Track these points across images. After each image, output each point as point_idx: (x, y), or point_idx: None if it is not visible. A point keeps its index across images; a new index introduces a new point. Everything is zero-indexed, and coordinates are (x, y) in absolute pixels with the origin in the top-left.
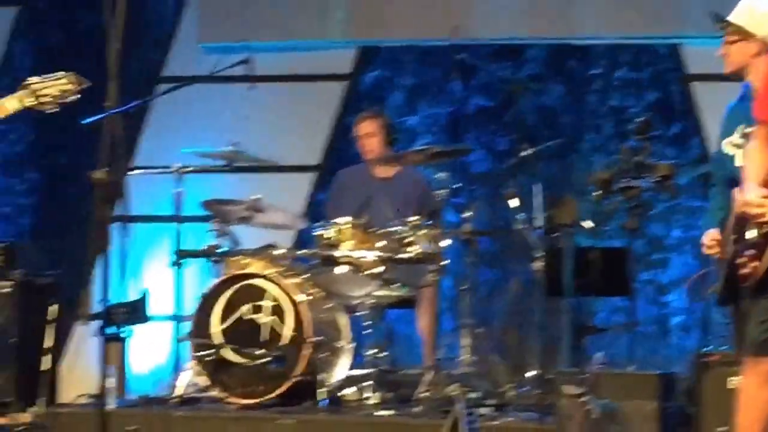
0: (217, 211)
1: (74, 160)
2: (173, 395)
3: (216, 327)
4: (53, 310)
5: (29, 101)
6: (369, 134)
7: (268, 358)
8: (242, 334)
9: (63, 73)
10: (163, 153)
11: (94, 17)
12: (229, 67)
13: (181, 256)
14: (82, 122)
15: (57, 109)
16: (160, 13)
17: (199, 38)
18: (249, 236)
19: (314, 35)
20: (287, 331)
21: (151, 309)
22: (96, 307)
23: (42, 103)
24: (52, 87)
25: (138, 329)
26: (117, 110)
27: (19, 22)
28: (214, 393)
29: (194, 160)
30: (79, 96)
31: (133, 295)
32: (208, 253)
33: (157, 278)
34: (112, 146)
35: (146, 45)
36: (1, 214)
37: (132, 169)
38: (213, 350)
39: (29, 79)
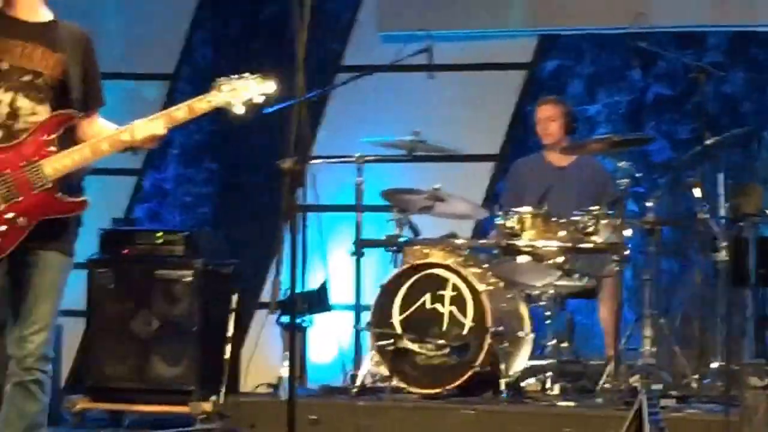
0: (397, 201)
1: (252, 149)
2: (354, 385)
3: (397, 317)
4: (234, 298)
5: (218, 102)
6: (549, 118)
7: (449, 348)
8: (423, 323)
9: (251, 74)
10: (343, 142)
11: (274, 6)
12: (410, 56)
13: (362, 245)
14: (265, 111)
15: (243, 111)
16: (340, 1)
17: (379, 27)
18: (429, 225)
19: (495, 24)
20: (468, 321)
21: (332, 298)
22: (277, 296)
23: (230, 104)
24: (241, 88)
25: (319, 318)
26: (301, 99)
27: (199, 11)
28: (395, 383)
29: (374, 150)
30: (266, 98)
31: (314, 285)
32: (388, 243)
33: (338, 267)
34: (299, 135)
35: (326, 34)
36: (181, 203)
37: (313, 159)
38: (394, 340)
39: (218, 79)
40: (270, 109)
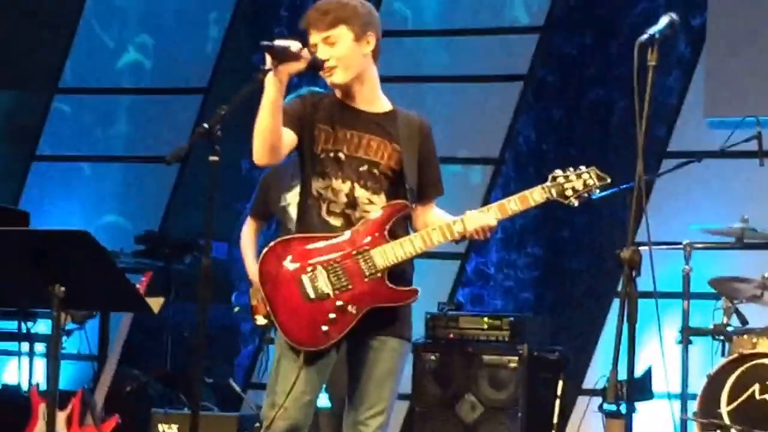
0: (725, 289)
1: (576, 234)
2: None
3: (724, 407)
4: (560, 385)
5: (554, 193)
6: None
7: None
8: (752, 414)
9: (585, 167)
10: (668, 229)
11: (598, 90)
12: (739, 143)
13: (689, 333)
14: (593, 197)
15: (576, 204)
16: (666, 87)
17: (706, 113)
18: (757, 314)
19: None
20: None
21: (656, 386)
22: (614, 383)
23: (565, 196)
24: (576, 180)
25: (641, 406)
26: (639, 186)
27: (523, 96)
28: None
29: (701, 237)
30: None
31: (638, 371)
32: (715, 332)
33: (663, 355)
34: (635, 223)
35: (652, 120)
36: (504, 288)
37: (641, 245)
38: (721, 431)
39: (555, 171)
40: (598, 195)
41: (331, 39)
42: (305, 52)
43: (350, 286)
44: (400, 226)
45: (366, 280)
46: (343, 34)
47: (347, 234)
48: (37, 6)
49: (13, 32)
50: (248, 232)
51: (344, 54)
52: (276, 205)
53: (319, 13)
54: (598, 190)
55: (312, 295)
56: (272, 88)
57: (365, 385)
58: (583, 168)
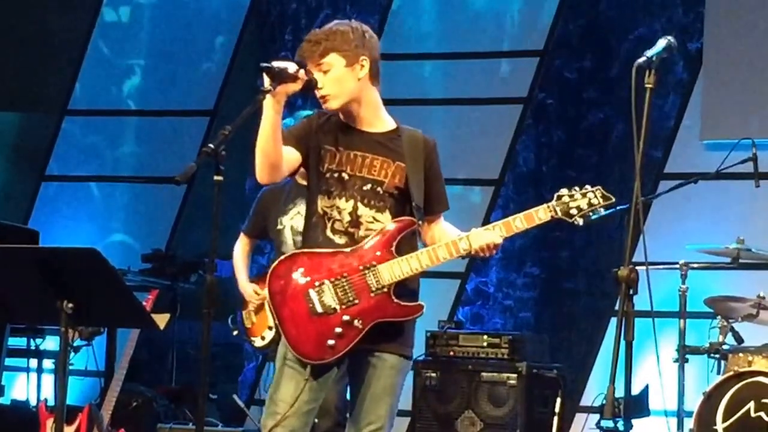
0: (721, 308)
1: (574, 254)
2: None
3: (720, 424)
4: (558, 402)
5: (558, 212)
6: None
7: None
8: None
9: (590, 186)
10: (665, 249)
11: (597, 113)
12: (735, 165)
13: (685, 352)
14: (592, 218)
15: (581, 223)
16: (662, 110)
17: (702, 135)
18: (753, 333)
19: None
20: None
21: (653, 403)
22: (611, 401)
23: (570, 215)
24: (582, 199)
25: (638, 424)
26: (636, 207)
27: (523, 118)
28: None
29: (698, 257)
30: (603, 212)
31: (635, 389)
32: (711, 350)
33: (659, 373)
34: (632, 243)
35: (649, 141)
36: (504, 307)
37: (637, 265)
38: None
39: (560, 190)
40: (596, 216)
41: (323, 67)
42: (302, 73)
43: (357, 301)
44: (407, 242)
45: (372, 295)
46: (334, 61)
47: (355, 249)
48: (47, 29)
49: (23, 55)
50: (241, 250)
51: (336, 81)
52: (273, 229)
53: (310, 45)
54: (602, 210)
55: (319, 310)
56: (270, 108)
57: (364, 402)
58: (588, 187)
